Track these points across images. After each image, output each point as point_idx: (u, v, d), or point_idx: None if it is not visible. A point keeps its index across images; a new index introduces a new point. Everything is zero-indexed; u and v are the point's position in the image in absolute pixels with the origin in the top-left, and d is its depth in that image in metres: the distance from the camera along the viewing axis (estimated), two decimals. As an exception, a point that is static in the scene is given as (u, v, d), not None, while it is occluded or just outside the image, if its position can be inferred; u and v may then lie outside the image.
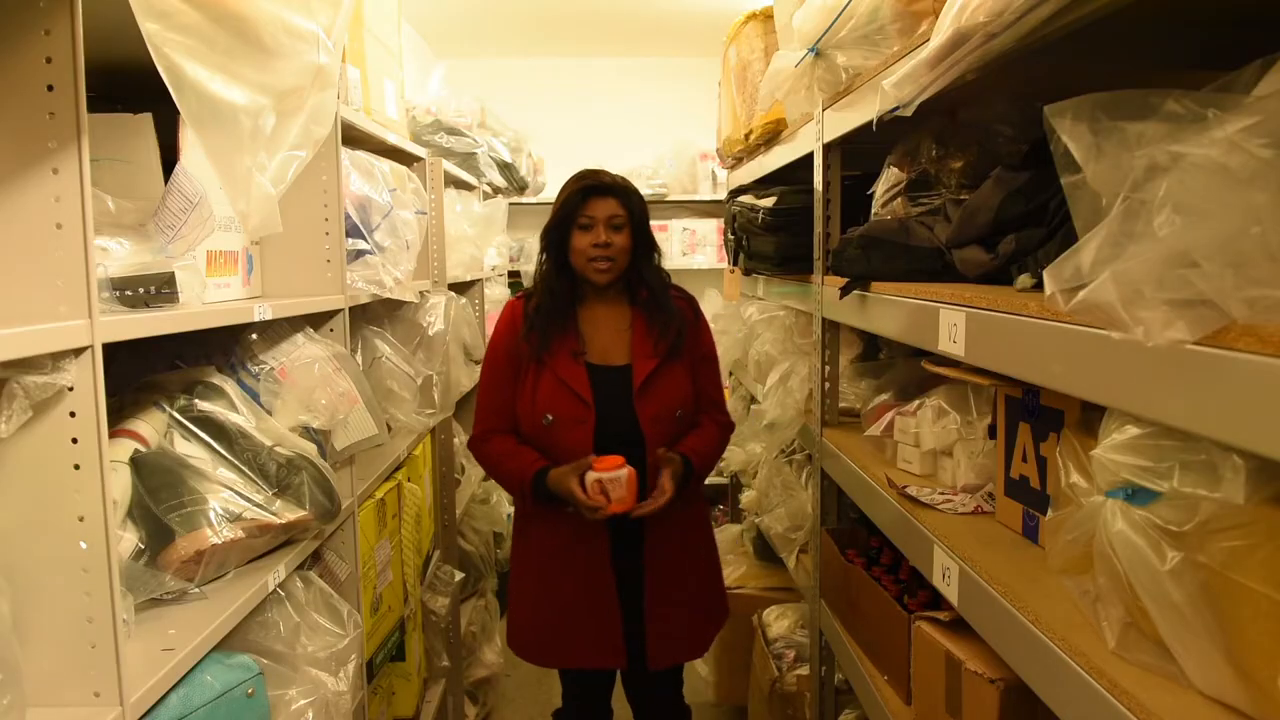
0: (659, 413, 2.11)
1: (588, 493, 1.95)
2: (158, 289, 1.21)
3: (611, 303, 2.19)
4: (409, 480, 2.41)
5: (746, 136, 2.78)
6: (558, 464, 2.06)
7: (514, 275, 4.97)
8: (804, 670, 2.68)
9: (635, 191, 2.16)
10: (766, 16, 2.64)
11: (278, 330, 1.67)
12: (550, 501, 2.06)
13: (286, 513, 1.46)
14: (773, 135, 2.62)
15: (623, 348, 2.15)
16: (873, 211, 1.96)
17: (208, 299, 1.41)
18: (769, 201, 2.53)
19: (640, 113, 5.42)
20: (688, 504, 2.18)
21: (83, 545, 1.04)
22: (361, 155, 2.03)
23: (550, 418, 2.08)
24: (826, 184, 2.13)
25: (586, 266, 2.10)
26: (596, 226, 2.08)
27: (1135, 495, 0.93)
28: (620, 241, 2.10)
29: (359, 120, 1.99)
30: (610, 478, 1.95)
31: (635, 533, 2.11)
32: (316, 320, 1.79)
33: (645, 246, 2.17)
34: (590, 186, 2.11)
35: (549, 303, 2.14)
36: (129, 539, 1.29)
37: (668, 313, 2.16)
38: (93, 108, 1.04)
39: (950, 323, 1.31)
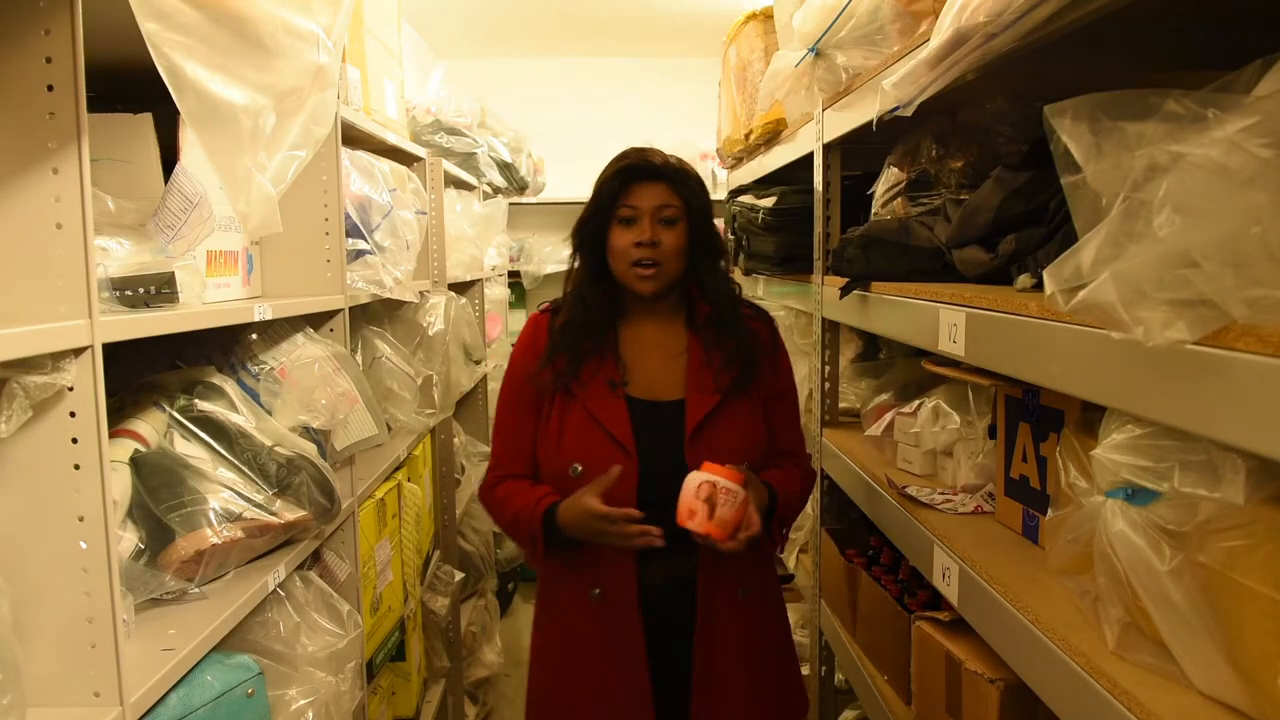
0: None
1: (696, 494, 1.51)
2: (158, 289, 1.21)
3: (662, 320, 1.73)
4: (409, 480, 2.41)
5: (746, 136, 2.78)
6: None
7: (514, 275, 4.97)
8: (804, 670, 2.68)
9: (694, 176, 1.70)
10: (766, 16, 2.64)
11: (278, 330, 1.67)
12: (567, 545, 1.62)
13: (286, 513, 1.46)
14: (773, 135, 2.63)
15: (674, 378, 1.68)
16: (873, 211, 1.96)
17: (208, 299, 1.41)
18: (769, 201, 2.53)
19: (640, 113, 5.42)
20: (754, 571, 1.73)
21: (83, 545, 1.04)
22: (361, 155, 2.03)
23: (579, 468, 1.62)
24: (826, 184, 2.13)
25: (627, 272, 1.65)
26: (641, 220, 1.63)
27: (1135, 495, 0.93)
28: (671, 240, 1.63)
29: (359, 120, 1.99)
30: (727, 486, 1.50)
31: (683, 610, 1.65)
32: (316, 320, 1.79)
33: (706, 248, 1.70)
34: (633, 168, 1.65)
35: (581, 318, 1.68)
36: (129, 539, 1.29)
37: (735, 335, 1.68)
38: (93, 108, 1.04)
39: (950, 323, 1.31)
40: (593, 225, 1.68)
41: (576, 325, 1.69)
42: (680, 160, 1.71)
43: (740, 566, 1.66)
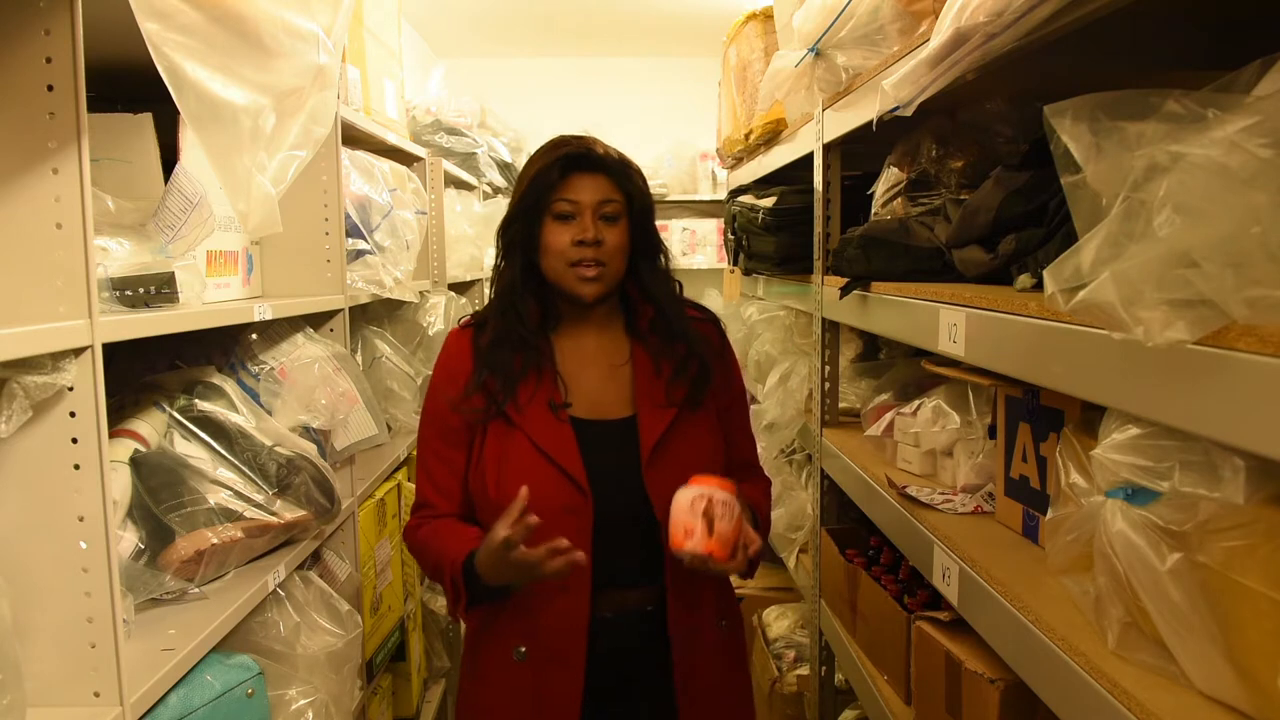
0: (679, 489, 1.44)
1: (690, 510, 1.33)
2: (158, 289, 1.21)
3: (600, 328, 1.55)
4: (409, 480, 2.41)
5: (746, 136, 2.78)
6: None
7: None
8: (804, 670, 2.68)
9: (636, 170, 1.53)
10: (766, 16, 2.64)
11: (278, 330, 1.67)
12: (496, 596, 1.41)
13: (286, 513, 1.46)
14: (773, 135, 2.63)
15: (621, 393, 1.51)
16: (873, 211, 1.96)
17: (208, 299, 1.41)
18: (769, 201, 2.53)
19: (640, 113, 5.42)
20: (728, 596, 1.59)
21: (83, 545, 1.04)
22: (361, 155, 2.03)
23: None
24: (826, 184, 2.13)
25: (565, 274, 1.46)
26: (581, 216, 1.45)
27: (1135, 495, 0.93)
28: (614, 239, 1.47)
29: (359, 120, 1.99)
30: (723, 498, 1.34)
31: (642, 651, 1.49)
32: (316, 320, 1.79)
33: (647, 246, 1.54)
34: (572, 157, 1.46)
35: (513, 331, 1.48)
36: (129, 539, 1.29)
37: (685, 340, 1.52)
38: (93, 108, 1.04)
39: (950, 323, 1.30)
40: (525, 223, 1.48)
41: (508, 340, 1.48)
42: (620, 151, 1.53)
43: (716, 592, 1.52)
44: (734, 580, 1.57)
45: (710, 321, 1.62)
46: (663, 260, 1.57)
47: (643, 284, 1.55)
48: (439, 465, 1.52)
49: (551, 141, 1.51)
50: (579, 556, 1.31)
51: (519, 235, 1.49)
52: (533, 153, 1.52)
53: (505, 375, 1.47)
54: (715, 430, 1.54)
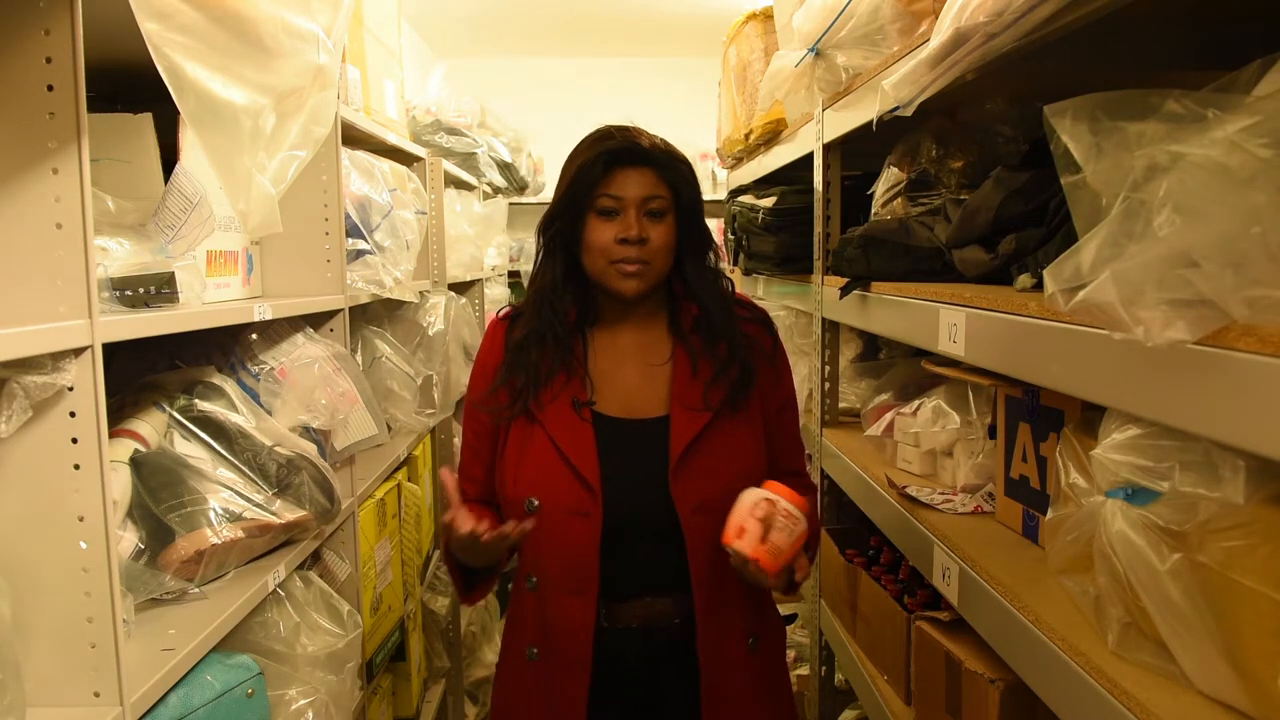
0: (708, 498, 1.38)
1: (750, 511, 1.29)
2: (158, 289, 1.21)
3: (642, 325, 1.49)
4: (409, 480, 2.41)
5: (746, 136, 2.78)
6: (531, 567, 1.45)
7: (514, 275, 4.98)
8: (804, 670, 2.68)
9: (684, 162, 1.46)
10: (766, 16, 2.64)
11: (277, 330, 1.67)
12: (485, 576, 1.47)
13: (286, 513, 1.46)
14: (773, 135, 2.63)
15: (656, 392, 1.45)
16: (873, 211, 1.97)
17: (208, 299, 1.41)
18: (769, 201, 2.53)
19: (640, 113, 5.37)
20: (761, 614, 1.50)
21: (83, 545, 1.04)
22: (361, 155, 2.03)
23: (536, 502, 1.39)
24: (826, 184, 2.13)
25: (606, 271, 1.41)
26: (626, 212, 1.39)
27: (1135, 495, 0.93)
28: (659, 237, 1.41)
29: (359, 120, 1.99)
30: (788, 509, 1.28)
31: (664, 666, 1.43)
32: (316, 320, 1.79)
33: (695, 242, 1.47)
34: (618, 151, 1.40)
35: (544, 329, 1.44)
36: (129, 539, 1.29)
37: (729, 339, 1.45)
38: (93, 108, 1.04)
39: (950, 323, 1.30)
40: (567, 218, 1.43)
41: (537, 338, 1.45)
42: (667, 142, 1.47)
43: (747, 609, 1.42)
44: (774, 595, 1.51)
45: (760, 322, 1.54)
46: (712, 257, 1.50)
47: (688, 281, 1.48)
48: (467, 451, 1.55)
49: (595, 133, 1.46)
50: (526, 527, 1.33)
51: (561, 233, 1.45)
52: (576, 145, 1.46)
53: (531, 373, 1.44)
54: (757, 438, 1.47)
